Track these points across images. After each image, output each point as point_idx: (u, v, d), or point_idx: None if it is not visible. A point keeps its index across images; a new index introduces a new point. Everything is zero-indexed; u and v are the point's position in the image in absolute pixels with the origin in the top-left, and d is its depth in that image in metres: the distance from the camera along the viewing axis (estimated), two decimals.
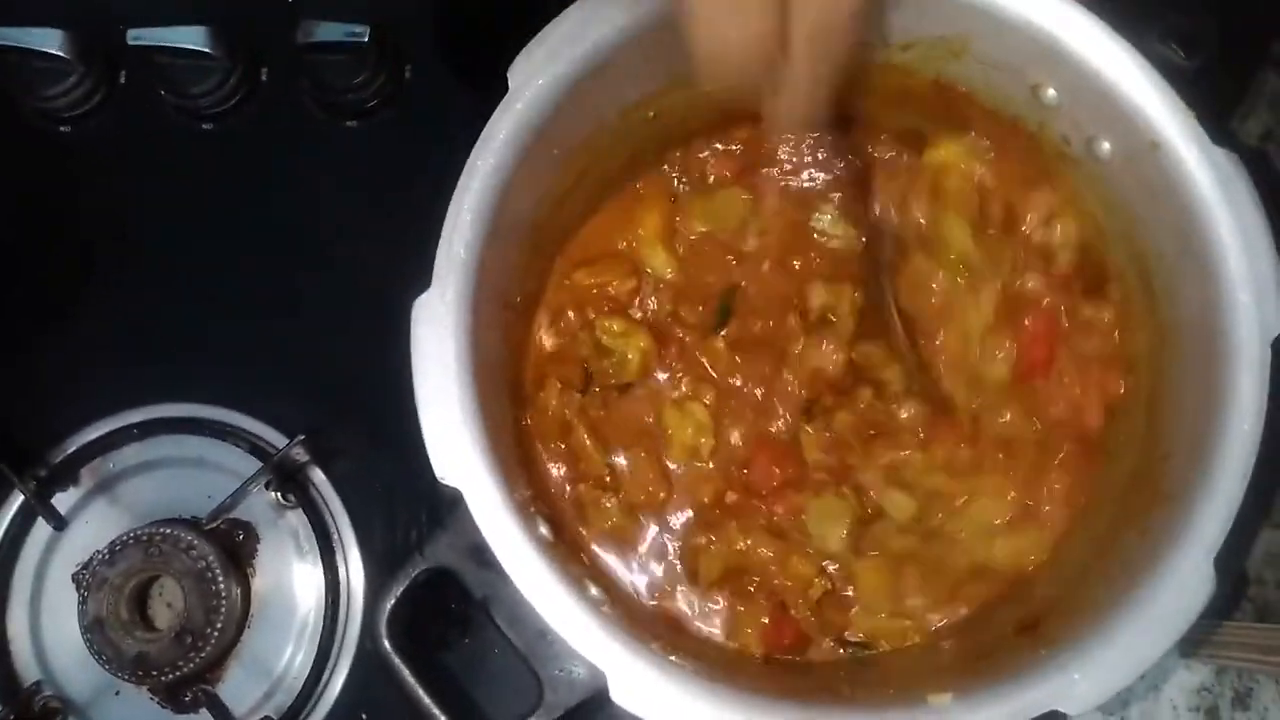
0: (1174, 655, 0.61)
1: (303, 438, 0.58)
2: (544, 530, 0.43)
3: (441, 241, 0.42)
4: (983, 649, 0.44)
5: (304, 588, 0.60)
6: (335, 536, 0.60)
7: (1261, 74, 0.63)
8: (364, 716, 0.58)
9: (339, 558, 0.60)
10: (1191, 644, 0.61)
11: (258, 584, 0.60)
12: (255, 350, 0.62)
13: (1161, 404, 0.45)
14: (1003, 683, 0.39)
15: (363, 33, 0.60)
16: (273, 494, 0.60)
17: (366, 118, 0.64)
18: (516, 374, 0.51)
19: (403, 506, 0.59)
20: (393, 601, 0.41)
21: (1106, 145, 0.45)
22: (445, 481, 0.40)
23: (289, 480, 0.60)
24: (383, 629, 0.40)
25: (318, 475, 0.61)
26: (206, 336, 0.62)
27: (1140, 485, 0.44)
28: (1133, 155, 0.44)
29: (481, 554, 0.40)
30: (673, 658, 0.41)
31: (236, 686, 0.58)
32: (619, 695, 0.38)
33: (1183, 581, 0.39)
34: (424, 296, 0.42)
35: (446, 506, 0.41)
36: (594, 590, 0.43)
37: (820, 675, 0.45)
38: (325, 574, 0.59)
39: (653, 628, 0.45)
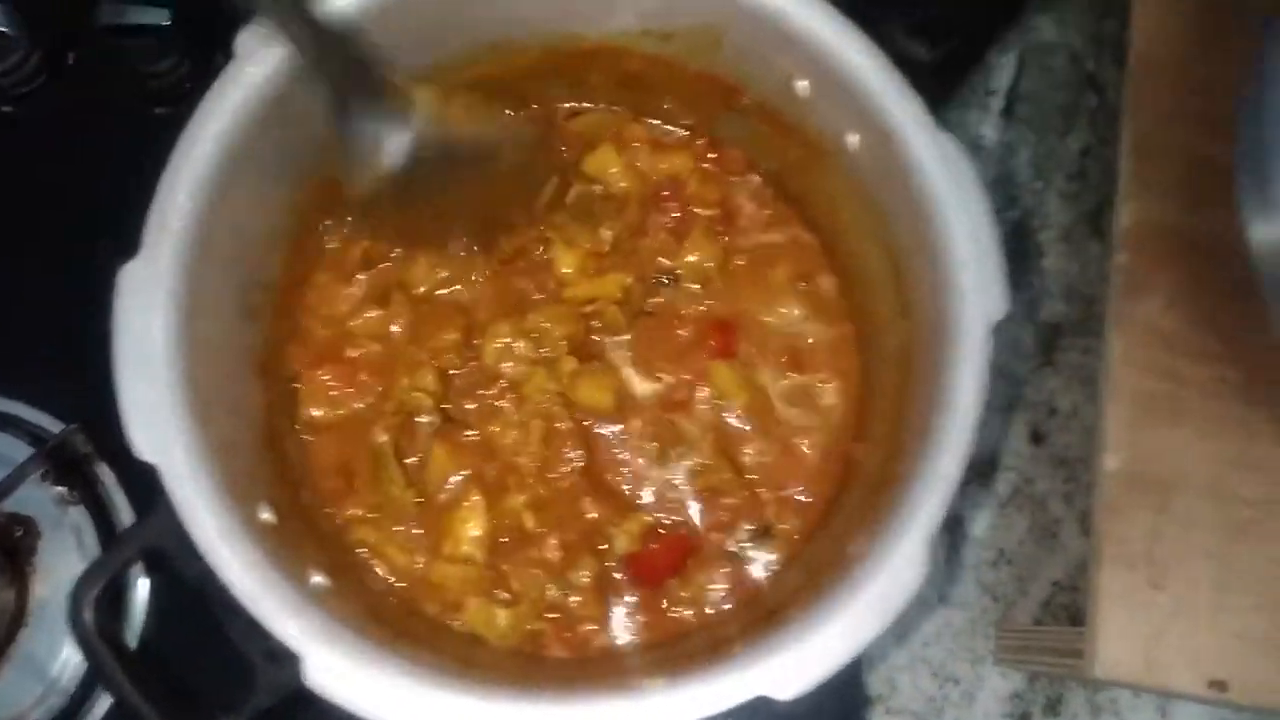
0: (987, 663, 0.62)
1: (76, 426, 0.56)
2: (266, 515, 0.41)
3: (153, 207, 0.41)
4: (724, 638, 0.43)
5: None
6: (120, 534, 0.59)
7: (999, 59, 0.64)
8: None
9: None
10: (1005, 650, 0.61)
11: (36, 582, 0.58)
12: (49, 340, 0.60)
13: (905, 399, 0.45)
14: (717, 667, 0.38)
15: (164, 16, 0.59)
16: (55, 489, 0.58)
17: (177, 103, 0.63)
18: (281, 360, 0.50)
19: None
20: (101, 585, 0.39)
21: (854, 138, 0.45)
22: (142, 458, 0.38)
23: (73, 474, 0.58)
24: (86, 613, 0.39)
25: (106, 472, 0.59)
26: None
27: (882, 478, 0.44)
28: (873, 146, 0.44)
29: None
30: (394, 646, 0.39)
31: (6, 689, 0.56)
32: (315, 678, 0.37)
33: (896, 567, 0.38)
34: (130, 265, 0.40)
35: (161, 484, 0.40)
36: (317, 578, 0.41)
37: (550, 665, 0.44)
38: None
39: (395, 618, 0.44)
